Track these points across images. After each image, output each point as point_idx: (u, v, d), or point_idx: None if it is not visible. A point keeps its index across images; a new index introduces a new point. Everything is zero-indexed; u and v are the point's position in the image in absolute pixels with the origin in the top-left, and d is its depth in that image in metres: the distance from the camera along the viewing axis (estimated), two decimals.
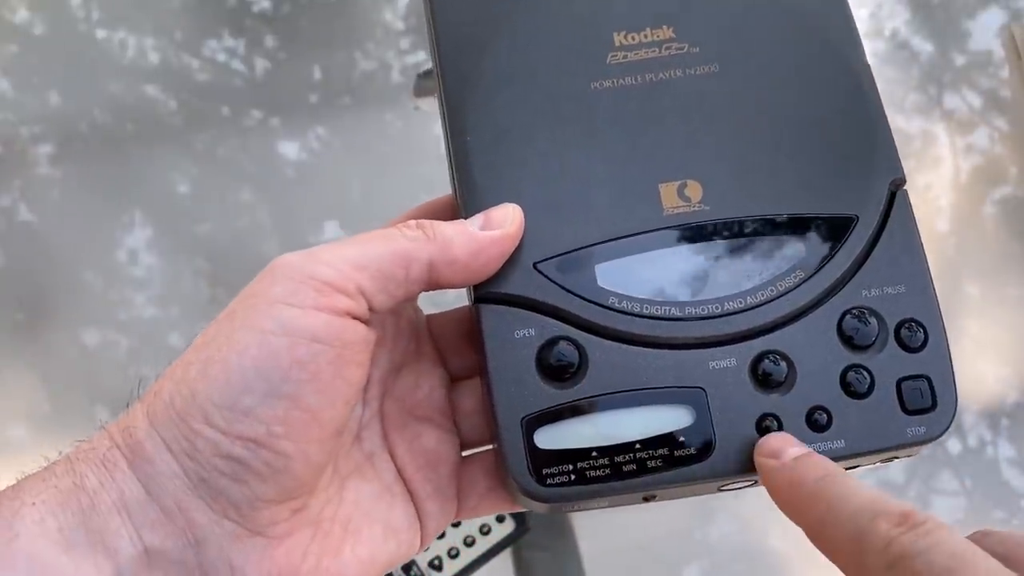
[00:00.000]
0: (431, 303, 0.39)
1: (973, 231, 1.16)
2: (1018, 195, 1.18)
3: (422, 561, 0.93)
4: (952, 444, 1.12)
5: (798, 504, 0.30)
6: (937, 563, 0.25)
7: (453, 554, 0.94)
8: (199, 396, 0.31)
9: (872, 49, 1.19)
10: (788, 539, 1.09)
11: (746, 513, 1.11)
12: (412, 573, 0.93)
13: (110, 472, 0.31)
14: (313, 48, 1.28)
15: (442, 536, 0.95)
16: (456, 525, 0.95)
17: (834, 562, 0.29)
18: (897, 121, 1.14)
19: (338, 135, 1.25)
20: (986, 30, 1.24)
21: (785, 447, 0.33)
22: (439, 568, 0.93)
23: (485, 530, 0.95)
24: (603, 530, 1.08)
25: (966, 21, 1.25)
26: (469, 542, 0.94)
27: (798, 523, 0.30)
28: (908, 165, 1.14)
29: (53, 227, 1.21)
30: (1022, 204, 1.18)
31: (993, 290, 1.16)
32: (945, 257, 1.15)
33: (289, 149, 1.24)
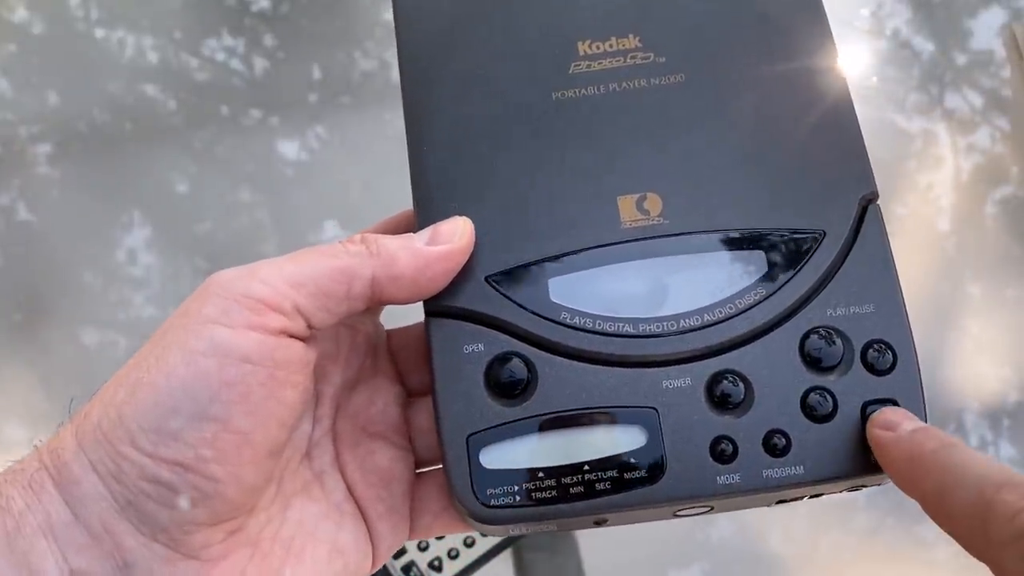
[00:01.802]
0: None
1: (974, 231, 1.15)
2: (1019, 195, 1.17)
3: (422, 562, 0.93)
4: None
5: (915, 474, 0.29)
6: None
7: (453, 555, 0.93)
8: (126, 419, 0.30)
9: (873, 49, 1.18)
10: (789, 542, 1.08)
11: (747, 516, 1.09)
12: (412, 573, 0.93)
13: (36, 494, 0.30)
14: (312, 47, 1.28)
15: (442, 537, 0.94)
16: None
17: (951, 532, 0.28)
18: (898, 121, 1.13)
19: (338, 134, 1.24)
20: (987, 29, 1.23)
21: (901, 420, 0.31)
22: (439, 569, 0.93)
23: None
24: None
25: (967, 20, 1.23)
26: (469, 543, 0.94)
27: (913, 494, 0.29)
28: (909, 165, 1.14)
29: (52, 227, 1.21)
30: (1023, 204, 1.17)
31: (994, 290, 1.14)
32: (945, 257, 1.14)
33: (288, 148, 1.23)
